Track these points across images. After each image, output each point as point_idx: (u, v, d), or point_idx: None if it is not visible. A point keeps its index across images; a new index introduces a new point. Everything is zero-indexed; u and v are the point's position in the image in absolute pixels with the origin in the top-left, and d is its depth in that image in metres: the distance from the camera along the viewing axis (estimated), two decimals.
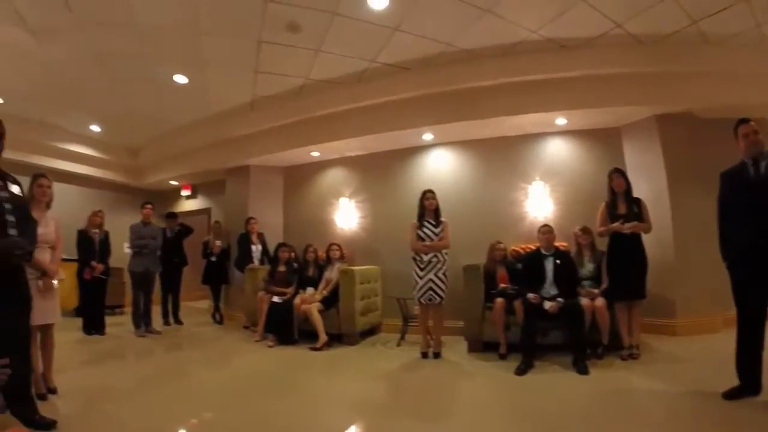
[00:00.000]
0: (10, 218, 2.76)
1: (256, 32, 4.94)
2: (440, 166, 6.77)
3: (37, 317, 3.49)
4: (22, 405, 2.86)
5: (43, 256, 3.51)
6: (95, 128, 8.52)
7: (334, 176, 7.74)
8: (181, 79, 6.18)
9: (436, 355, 4.93)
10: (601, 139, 5.99)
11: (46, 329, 3.80)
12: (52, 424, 2.94)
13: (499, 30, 4.86)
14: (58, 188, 4.18)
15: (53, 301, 3.75)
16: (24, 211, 2.93)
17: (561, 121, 5.81)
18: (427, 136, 6.50)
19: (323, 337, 5.59)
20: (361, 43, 5.15)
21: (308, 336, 5.80)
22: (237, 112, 7.38)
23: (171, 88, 6.46)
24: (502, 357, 4.72)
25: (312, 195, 7.95)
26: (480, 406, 3.43)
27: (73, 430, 3.04)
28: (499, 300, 4.82)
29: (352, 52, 5.34)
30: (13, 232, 2.74)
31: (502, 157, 6.37)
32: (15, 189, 2.92)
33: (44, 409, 3.31)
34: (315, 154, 7.50)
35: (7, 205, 2.77)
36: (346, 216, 7.44)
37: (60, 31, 4.93)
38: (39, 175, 3.84)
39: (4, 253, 2.67)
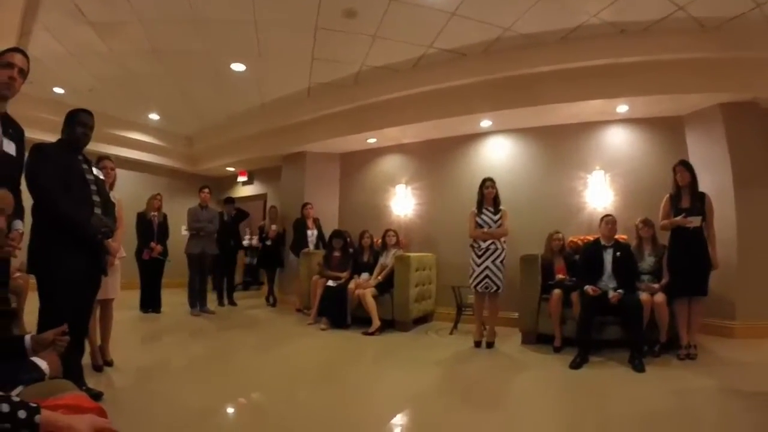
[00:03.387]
0: (96, 199, 3.10)
1: (313, 19, 5.16)
2: (498, 154, 6.85)
3: (98, 292, 3.93)
4: (71, 375, 3.25)
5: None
6: (154, 117, 9.17)
7: (391, 163, 7.97)
8: (238, 67, 6.53)
9: (489, 346, 5.06)
10: (664, 129, 5.91)
11: (106, 304, 4.22)
12: (99, 395, 3.21)
13: (558, 13, 4.88)
14: (119, 174, 4.62)
15: (113, 277, 4.13)
16: (105, 193, 3.29)
17: (622, 108, 5.78)
18: (485, 123, 6.59)
19: (376, 323, 5.84)
20: (417, 28, 5.28)
21: (361, 321, 6.07)
22: (294, 99, 7.69)
23: (228, 76, 6.84)
24: (557, 350, 4.82)
25: (368, 181, 8.22)
26: (532, 398, 3.54)
27: (124, 402, 3.34)
28: (556, 291, 4.90)
29: (408, 37, 5.49)
30: (98, 211, 3.08)
31: (562, 146, 6.40)
32: (98, 173, 3.31)
33: (99, 380, 3.73)
34: (371, 140, 7.74)
35: (93, 187, 3.12)
36: (403, 203, 7.66)
37: (120, 24, 5.35)
38: (103, 157, 4.24)
39: (94, 230, 3.00)
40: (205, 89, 7.48)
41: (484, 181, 5.25)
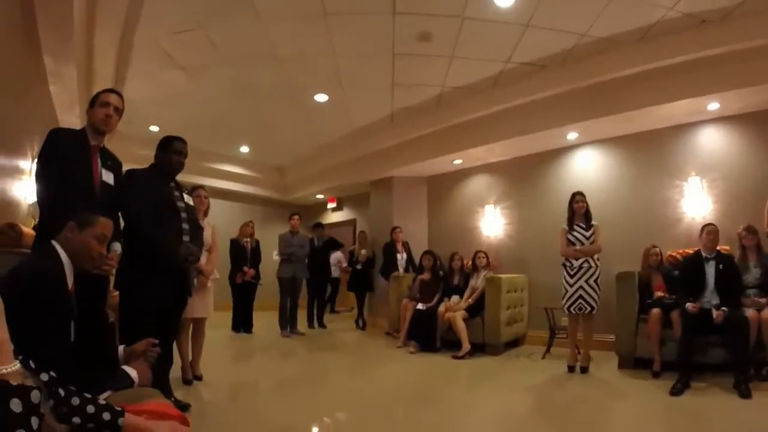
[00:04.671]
0: (185, 226, 3.38)
1: (389, 46, 5.33)
2: (587, 167, 6.63)
3: (192, 311, 4.21)
4: (158, 385, 3.50)
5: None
6: (244, 149, 9.82)
7: (478, 183, 7.95)
8: (321, 98, 6.83)
9: (584, 370, 4.85)
10: (761, 124, 5.36)
11: (199, 322, 4.57)
12: (186, 407, 3.43)
13: (633, 11, 4.66)
14: (213, 204, 5.01)
15: (207, 298, 4.47)
16: (195, 220, 3.57)
17: (713, 106, 5.33)
18: (572, 136, 6.43)
19: (466, 346, 5.78)
20: (493, 44, 5.29)
21: (451, 344, 6.03)
22: (377, 126, 7.92)
23: (313, 108, 7.18)
24: (656, 375, 4.53)
25: (456, 203, 8.24)
26: (629, 428, 3.35)
27: (210, 415, 3.57)
28: (655, 311, 4.63)
29: (485, 54, 5.51)
30: (186, 238, 3.35)
31: (653, 153, 6.05)
32: (189, 200, 3.61)
33: (187, 392, 4.00)
34: (457, 162, 7.77)
35: (184, 215, 3.41)
36: (492, 223, 7.59)
37: (206, 67, 5.84)
38: (197, 187, 4.71)
39: (181, 259, 3.26)
40: (291, 121, 7.89)
41: (574, 195, 5.10)
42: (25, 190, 4.32)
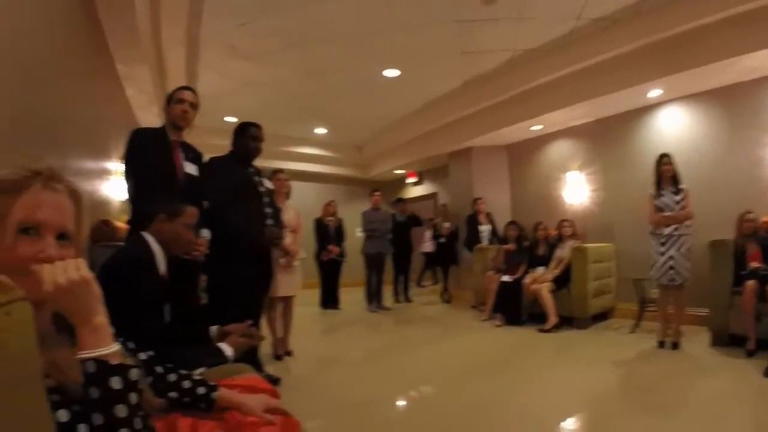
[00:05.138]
0: (268, 210, 3.59)
1: (453, 13, 5.15)
2: (673, 126, 6.11)
3: (281, 290, 4.53)
4: (249, 361, 3.69)
5: (285, 238, 4.33)
6: (321, 131, 9.99)
7: (560, 149, 7.61)
8: (392, 73, 6.76)
9: (674, 346, 4.60)
10: None
11: (288, 300, 4.82)
12: (277, 380, 3.68)
13: None
14: (296, 186, 5.24)
15: (294, 277, 4.72)
16: (274, 204, 3.77)
17: None
18: (654, 93, 5.92)
19: (553, 319, 5.71)
20: (561, 1, 4.96)
21: (537, 317, 5.96)
22: (451, 96, 7.74)
23: (384, 83, 7.12)
24: (750, 354, 4.16)
25: (538, 171, 7.96)
26: (717, 407, 3.13)
27: (299, 387, 3.77)
28: (750, 283, 4.22)
29: (554, 13, 5.18)
30: (270, 222, 3.57)
31: (746, 108, 5.42)
32: (269, 184, 3.78)
33: (278, 367, 4.27)
34: (536, 128, 7.47)
35: (266, 199, 3.61)
36: (576, 190, 7.27)
37: (272, 53, 5.94)
38: (277, 170, 4.90)
39: (268, 241, 3.50)
40: (363, 99, 7.90)
41: (660, 157, 4.78)
42: (114, 188, 4.71)
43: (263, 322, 4.09)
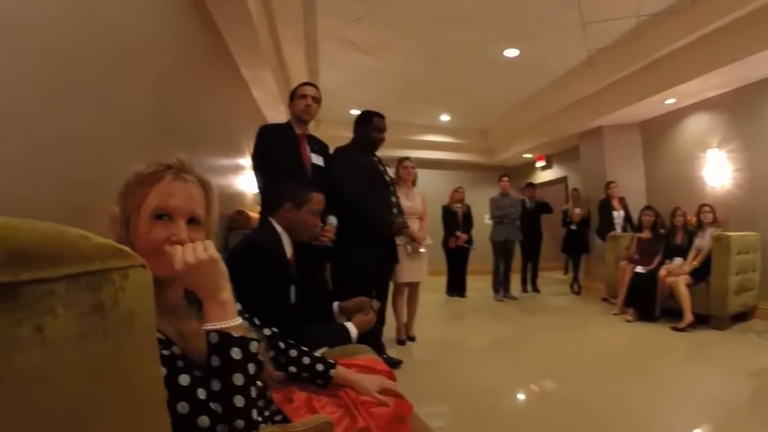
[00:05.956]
0: (393, 200, 3.80)
1: None
2: None
3: (407, 275, 4.68)
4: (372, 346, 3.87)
5: (412, 225, 4.51)
6: (445, 117, 10.04)
7: (697, 124, 6.91)
8: (512, 53, 6.65)
9: None
10: None
11: (413, 286, 4.97)
12: (397, 363, 3.85)
13: None
14: (422, 174, 5.38)
15: (421, 263, 4.82)
16: (396, 193, 3.98)
17: None
18: None
19: (688, 317, 5.25)
20: None
21: (670, 313, 5.54)
22: (576, 73, 7.41)
23: (505, 64, 7.02)
24: None
25: (674, 149, 7.32)
26: None
27: (420, 372, 3.91)
28: None
29: None
30: (395, 211, 3.78)
31: None
32: (391, 173, 4.01)
33: (400, 351, 4.42)
34: (669, 101, 6.87)
35: (391, 188, 3.84)
36: (716, 171, 6.54)
37: (391, 44, 6.11)
38: (403, 158, 5.10)
39: (396, 230, 3.70)
40: (485, 81, 7.82)
41: None
42: (246, 182, 5.28)
43: (388, 306, 4.19)
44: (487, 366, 4.10)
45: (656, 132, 7.63)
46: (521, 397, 3.47)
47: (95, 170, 1.79)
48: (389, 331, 4.23)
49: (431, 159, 10.72)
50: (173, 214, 1.11)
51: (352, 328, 2.14)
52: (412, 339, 4.94)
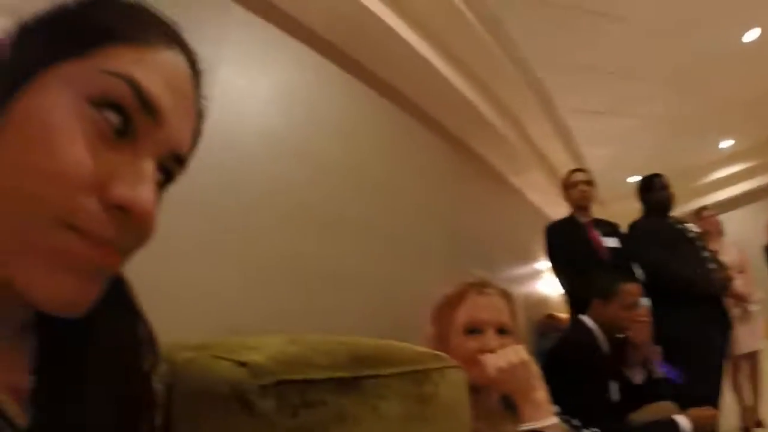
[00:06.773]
0: (705, 254, 3.33)
1: None
2: None
3: (741, 345, 3.95)
4: None
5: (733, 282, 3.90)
6: (727, 143, 8.63)
7: None
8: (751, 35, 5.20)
9: None
10: None
11: (751, 357, 4.15)
12: None
13: None
14: (724, 218, 4.87)
15: (754, 327, 4.08)
16: (707, 247, 3.54)
17: None
18: None
19: None
20: None
21: None
22: None
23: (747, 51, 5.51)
24: None
25: None
26: None
27: None
28: None
29: None
30: (711, 266, 3.29)
31: None
32: (695, 228, 3.57)
33: None
34: None
35: (699, 243, 3.39)
36: None
37: (630, 91, 5.63)
38: (700, 209, 4.84)
39: (719, 288, 3.24)
40: (731, 78, 6.09)
41: None
42: (548, 284, 5.43)
43: (726, 387, 3.57)
44: None
45: None
46: None
47: (407, 301, 2.03)
48: (730, 416, 3.45)
49: (729, 197, 9.29)
50: (482, 326, 1.20)
51: (683, 422, 1.99)
52: (760, 425, 4.01)
